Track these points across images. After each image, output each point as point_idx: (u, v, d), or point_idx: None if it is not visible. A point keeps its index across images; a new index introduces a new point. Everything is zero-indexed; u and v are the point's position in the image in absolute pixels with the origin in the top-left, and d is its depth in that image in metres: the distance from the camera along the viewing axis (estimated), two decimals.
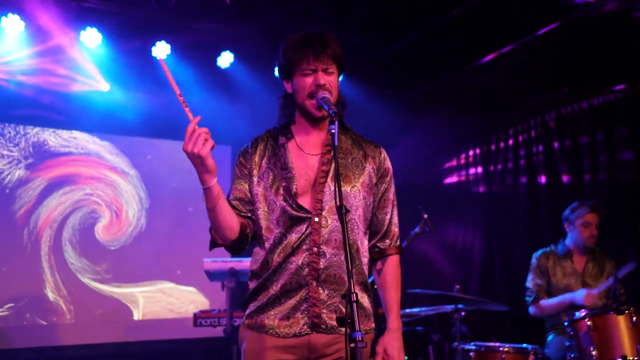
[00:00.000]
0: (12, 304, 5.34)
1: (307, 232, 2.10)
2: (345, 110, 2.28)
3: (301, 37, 2.19)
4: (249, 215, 2.22)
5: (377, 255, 2.30)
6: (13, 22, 4.77)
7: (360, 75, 5.86)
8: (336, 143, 1.97)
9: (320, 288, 2.08)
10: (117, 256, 5.82)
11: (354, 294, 1.80)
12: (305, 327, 2.08)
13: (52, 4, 4.65)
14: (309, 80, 2.15)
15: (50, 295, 5.49)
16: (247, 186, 2.22)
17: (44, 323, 5.44)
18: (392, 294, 2.27)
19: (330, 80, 2.17)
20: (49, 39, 4.96)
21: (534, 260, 4.48)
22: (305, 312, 2.08)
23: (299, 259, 2.09)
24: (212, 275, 4.36)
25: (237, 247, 2.20)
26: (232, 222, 2.13)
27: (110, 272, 5.77)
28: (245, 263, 4.07)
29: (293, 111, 2.27)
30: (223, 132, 6.13)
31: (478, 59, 5.48)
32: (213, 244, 2.21)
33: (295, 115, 2.28)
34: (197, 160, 1.98)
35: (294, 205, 2.12)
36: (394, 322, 2.22)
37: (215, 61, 5.56)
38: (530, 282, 4.43)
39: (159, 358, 5.80)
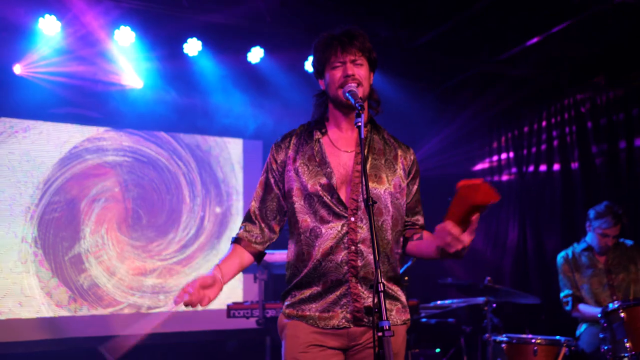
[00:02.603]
0: (57, 295, 5.50)
1: (345, 230, 2.14)
2: (380, 106, 2.33)
3: (329, 35, 2.27)
4: (278, 226, 2.34)
5: (412, 232, 2.32)
6: (50, 23, 4.90)
7: (390, 68, 5.85)
8: (362, 135, 2.02)
9: (359, 284, 2.12)
10: (151, 247, 5.95)
11: (381, 284, 1.85)
12: (344, 320, 2.13)
13: (87, 3, 4.76)
14: (339, 72, 2.21)
15: (86, 285, 5.64)
16: (278, 191, 2.28)
17: (82, 314, 5.59)
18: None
19: (359, 72, 2.21)
20: (84, 39, 5.08)
21: (558, 264, 4.50)
22: (345, 307, 2.12)
23: (338, 257, 2.13)
24: None
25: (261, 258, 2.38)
26: (249, 263, 2.32)
27: (145, 263, 5.90)
28: (276, 256, 4.12)
29: (326, 107, 2.32)
30: (254, 128, 6.22)
31: (510, 49, 5.43)
32: None
33: (328, 111, 2.32)
34: None
35: (334, 201, 2.16)
36: None
37: (246, 57, 5.62)
38: (562, 288, 4.44)
39: (193, 349, 5.91)
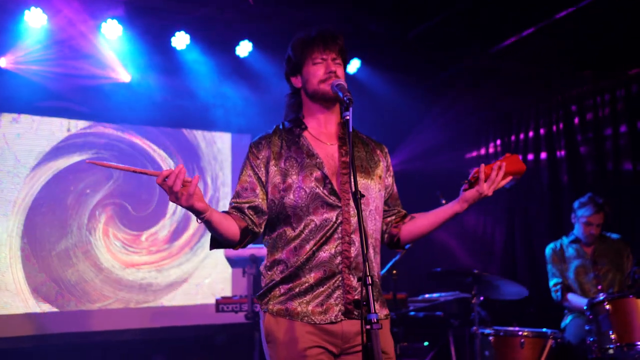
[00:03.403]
0: (44, 290, 5.47)
1: (339, 221, 2.13)
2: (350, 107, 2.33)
3: (310, 33, 2.28)
4: (261, 222, 2.22)
5: (399, 219, 2.38)
6: (36, 16, 4.85)
7: (380, 61, 5.87)
8: (350, 129, 2.03)
9: (351, 276, 2.11)
10: (138, 242, 5.92)
11: (369, 277, 1.84)
12: (339, 314, 2.10)
13: None
14: (321, 68, 2.23)
15: (73, 280, 5.61)
16: (261, 189, 2.21)
17: (69, 309, 5.57)
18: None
19: (339, 70, 2.25)
20: (71, 32, 5.03)
21: (547, 255, 4.59)
22: (339, 299, 2.10)
23: (332, 247, 2.12)
24: (233, 261, 4.43)
25: (239, 245, 2.22)
26: (234, 232, 2.15)
27: (132, 257, 5.88)
28: (264, 250, 4.11)
29: (300, 107, 2.32)
30: (243, 122, 6.20)
31: (500, 43, 5.46)
32: (214, 245, 2.22)
33: (303, 109, 2.31)
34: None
35: (326, 192, 2.15)
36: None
37: (234, 50, 5.60)
38: (551, 277, 4.52)
39: (182, 343, 5.90)
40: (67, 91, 5.51)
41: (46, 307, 5.48)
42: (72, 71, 5.38)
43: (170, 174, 1.93)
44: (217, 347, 5.97)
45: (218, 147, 6.41)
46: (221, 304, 4.52)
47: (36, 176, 5.56)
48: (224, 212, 2.22)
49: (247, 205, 2.21)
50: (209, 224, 2.06)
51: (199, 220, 2.05)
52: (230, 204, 2.26)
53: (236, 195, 2.25)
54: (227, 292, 6.13)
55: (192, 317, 5.98)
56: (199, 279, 6.15)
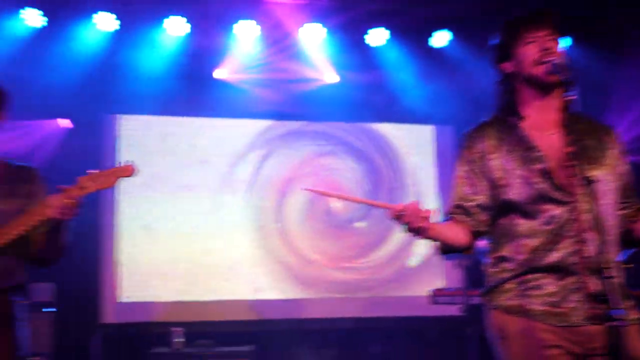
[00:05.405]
0: (269, 277, 5.92)
1: (566, 217, 1.97)
2: (573, 86, 2.09)
3: (519, 15, 2.15)
4: (486, 220, 2.13)
5: (635, 212, 2.12)
6: (249, 28, 5.25)
7: (593, 40, 5.46)
8: (572, 114, 1.89)
9: (590, 277, 1.92)
10: (350, 235, 6.13)
11: (610, 270, 1.71)
12: (581, 318, 1.93)
13: (280, 5, 5.03)
14: (534, 47, 2.07)
15: (293, 269, 5.98)
16: (484, 183, 2.12)
17: (292, 296, 5.93)
18: None
19: (557, 47, 2.07)
20: (279, 39, 5.38)
21: None
22: (579, 304, 1.93)
23: (564, 247, 1.96)
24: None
25: (468, 249, 2.16)
26: (460, 241, 2.11)
27: (342, 251, 6.12)
28: (481, 241, 4.02)
29: (514, 94, 2.17)
30: (443, 113, 6.10)
31: None
32: (442, 252, 2.17)
33: (517, 97, 2.16)
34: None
35: (550, 186, 2.00)
36: None
37: (428, 41, 5.60)
38: None
39: (396, 334, 5.95)
40: (280, 96, 5.87)
41: (271, 294, 5.89)
42: (285, 76, 5.74)
43: (406, 212, 1.91)
44: (431, 340, 5.96)
45: (420, 139, 6.39)
46: (437, 295, 4.51)
47: (258, 172, 6.00)
48: (445, 218, 2.17)
49: (470, 204, 2.13)
50: (434, 240, 2.07)
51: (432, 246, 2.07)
52: (452, 203, 2.18)
53: (456, 193, 2.17)
54: (440, 284, 6.06)
55: (406, 308, 6.01)
56: (412, 270, 6.17)
